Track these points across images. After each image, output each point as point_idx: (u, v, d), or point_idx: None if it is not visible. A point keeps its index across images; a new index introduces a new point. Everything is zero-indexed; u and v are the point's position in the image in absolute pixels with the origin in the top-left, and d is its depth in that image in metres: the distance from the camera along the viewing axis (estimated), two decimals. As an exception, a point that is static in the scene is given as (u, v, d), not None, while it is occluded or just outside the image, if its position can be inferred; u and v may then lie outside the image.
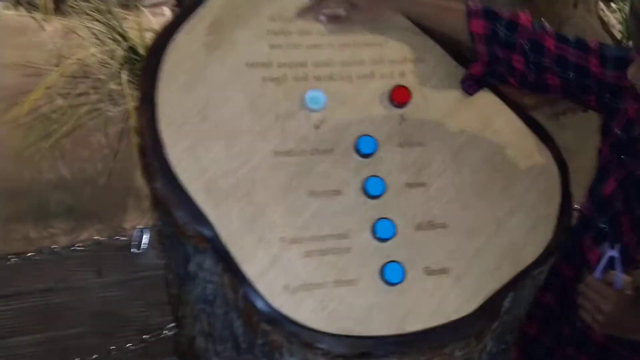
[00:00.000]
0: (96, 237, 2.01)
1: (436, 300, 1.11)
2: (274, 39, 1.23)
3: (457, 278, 1.13)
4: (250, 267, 1.05)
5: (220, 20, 1.21)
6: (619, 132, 1.15)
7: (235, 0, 1.24)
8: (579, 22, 2.86)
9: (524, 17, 1.20)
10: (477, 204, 1.19)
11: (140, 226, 1.53)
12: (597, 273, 1.12)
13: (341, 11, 1.26)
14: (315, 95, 1.19)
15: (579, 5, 2.86)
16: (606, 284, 1.09)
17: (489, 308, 1.12)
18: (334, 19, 1.26)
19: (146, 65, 1.13)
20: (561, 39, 1.17)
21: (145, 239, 1.37)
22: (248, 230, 1.07)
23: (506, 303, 1.14)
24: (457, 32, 1.23)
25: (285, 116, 1.17)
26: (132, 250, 1.45)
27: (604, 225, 1.18)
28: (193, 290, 1.15)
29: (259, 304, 1.04)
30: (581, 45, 1.16)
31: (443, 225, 1.16)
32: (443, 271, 1.13)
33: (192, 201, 1.06)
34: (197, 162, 1.09)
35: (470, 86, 1.27)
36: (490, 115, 1.28)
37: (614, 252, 1.10)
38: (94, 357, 1.79)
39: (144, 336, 1.64)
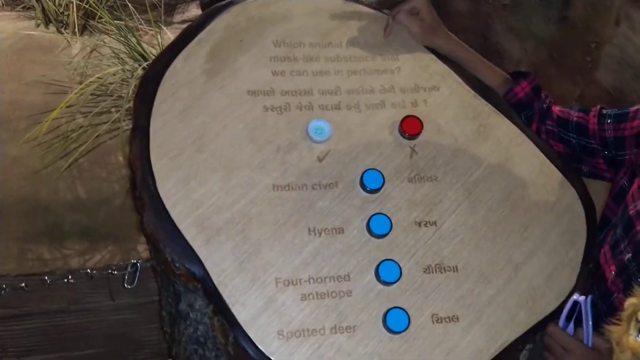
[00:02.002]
0: (109, 259, 1.98)
1: (444, 351, 1.02)
2: (278, 65, 1.17)
3: (467, 327, 1.04)
4: (242, 310, 0.99)
5: (222, 45, 1.16)
6: (623, 182, 1.10)
7: (238, 25, 1.18)
8: (621, 42, 2.72)
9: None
10: (493, 245, 1.10)
11: (134, 260, 1.49)
12: (561, 320, 1.01)
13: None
14: (320, 126, 1.12)
15: (621, 23, 2.73)
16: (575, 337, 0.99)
17: (503, 361, 1.03)
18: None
19: (140, 93, 1.08)
20: (566, 107, 1.22)
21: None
22: (241, 270, 1.01)
23: (522, 356, 1.05)
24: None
25: (286, 147, 1.10)
26: (125, 284, 1.39)
27: None
28: (185, 330, 1.09)
29: (250, 351, 0.97)
30: (584, 109, 1.19)
31: (454, 269, 1.07)
32: (452, 319, 1.04)
33: (182, 237, 1.00)
34: (190, 195, 1.04)
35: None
36: (509, 148, 1.18)
37: (580, 298, 0.99)
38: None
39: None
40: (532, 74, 1.24)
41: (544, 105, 1.21)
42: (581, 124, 1.17)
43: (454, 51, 1.25)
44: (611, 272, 1.04)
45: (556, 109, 1.22)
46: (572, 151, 1.20)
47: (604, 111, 1.15)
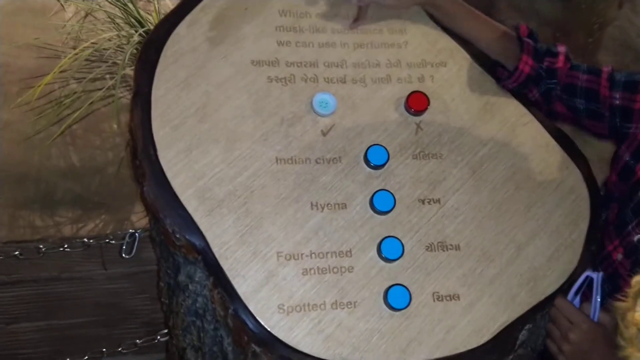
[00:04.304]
0: (102, 228, 1.96)
1: (444, 329, 1.01)
2: (283, 35, 1.14)
3: (468, 306, 1.04)
4: (242, 283, 0.97)
5: (226, 13, 1.13)
6: (627, 158, 1.06)
7: (243, -9, 1.15)
8: (623, 24, 2.70)
9: (562, 60, 1.13)
10: (496, 225, 1.09)
11: (132, 230, 1.47)
12: (571, 294, 1.01)
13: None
14: (325, 99, 1.10)
15: (624, 5, 2.70)
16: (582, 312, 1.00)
17: (502, 341, 1.03)
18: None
19: (142, 59, 1.05)
20: (573, 67, 1.13)
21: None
22: (242, 243, 1.00)
23: (522, 336, 1.05)
24: (484, 45, 1.18)
25: (290, 120, 1.08)
26: (122, 255, 1.38)
27: None
28: (183, 302, 1.08)
29: (250, 324, 0.96)
30: (593, 70, 1.11)
31: (456, 247, 1.07)
32: (453, 297, 1.04)
33: (183, 208, 0.99)
34: (192, 166, 1.02)
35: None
36: (515, 127, 1.17)
37: (593, 274, 0.99)
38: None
39: (137, 341, 1.58)
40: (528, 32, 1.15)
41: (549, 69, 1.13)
42: (591, 89, 1.09)
43: (436, 5, 1.18)
44: (618, 253, 1.03)
45: (562, 73, 1.12)
46: (576, 116, 1.13)
47: (616, 75, 1.08)
